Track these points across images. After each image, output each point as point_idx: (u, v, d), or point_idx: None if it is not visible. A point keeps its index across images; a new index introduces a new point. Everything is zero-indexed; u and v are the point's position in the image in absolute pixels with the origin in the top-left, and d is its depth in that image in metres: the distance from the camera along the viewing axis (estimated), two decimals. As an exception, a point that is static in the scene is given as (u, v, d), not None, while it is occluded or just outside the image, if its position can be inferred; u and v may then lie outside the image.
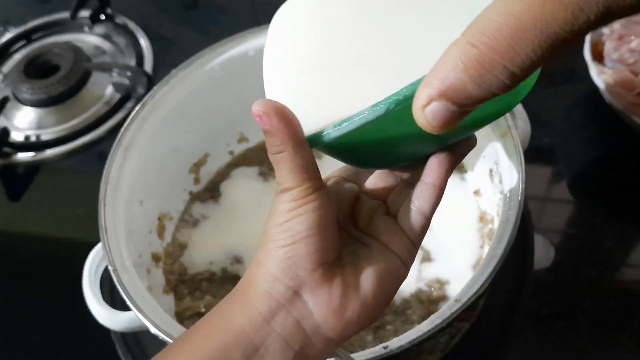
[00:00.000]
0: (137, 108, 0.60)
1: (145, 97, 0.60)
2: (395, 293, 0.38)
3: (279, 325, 0.34)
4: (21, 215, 0.83)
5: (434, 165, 0.36)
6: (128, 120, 0.59)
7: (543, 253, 0.68)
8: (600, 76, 0.75)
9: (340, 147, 0.35)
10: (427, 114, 0.27)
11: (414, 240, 0.37)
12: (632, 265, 0.68)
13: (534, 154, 0.77)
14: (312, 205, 0.34)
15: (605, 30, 0.80)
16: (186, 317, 0.59)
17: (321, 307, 0.34)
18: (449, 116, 0.27)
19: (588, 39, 0.79)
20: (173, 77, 0.62)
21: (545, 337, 0.63)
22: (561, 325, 0.64)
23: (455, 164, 0.37)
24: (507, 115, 0.52)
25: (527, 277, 0.66)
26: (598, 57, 0.79)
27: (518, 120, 0.56)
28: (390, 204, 0.39)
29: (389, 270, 0.36)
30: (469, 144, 0.39)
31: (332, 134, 0.32)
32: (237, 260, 0.64)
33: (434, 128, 0.27)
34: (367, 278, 0.36)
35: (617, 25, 0.80)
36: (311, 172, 0.34)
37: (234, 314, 0.35)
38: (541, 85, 0.83)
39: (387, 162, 0.39)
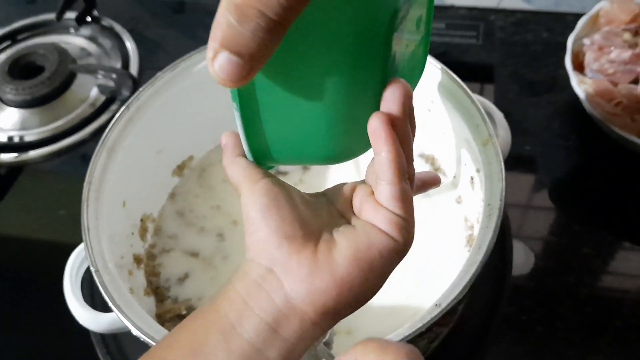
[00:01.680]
0: (122, 109, 0.60)
1: (131, 99, 0.60)
2: (380, 267, 0.37)
3: (253, 300, 0.35)
4: (3, 216, 0.82)
5: (375, 135, 0.35)
6: (113, 121, 0.59)
7: (523, 260, 0.69)
8: (580, 86, 0.76)
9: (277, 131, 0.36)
10: (215, 67, 0.28)
11: (397, 212, 0.36)
12: (610, 272, 0.69)
13: (514, 162, 0.78)
14: (258, 192, 0.37)
15: (586, 40, 0.81)
16: (167, 319, 0.59)
17: (290, 277, 0.35)
18: (236, 68, 0.28)
19: (569, 49, 0.80)
20: (159, 79, 0.62)
21: (524, 342, 0.64)
22: (540, 331, 0.64)
23: (404, 131, 0.36)
24: (489, 123, 0.53)
25: (505, 283, 0.66)
26: (579, 67, 0.81)
27: (499, 129, 0.57)
28: (368, 181, 0.40)
29: (369, 243, 0.36)
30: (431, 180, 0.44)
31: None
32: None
33: (225, 82, 0.29)
34: (341, 250, 0.36)
35: (597, 36, 0.81)
36: (250, 171, 0.38)
37: (217, 299, 0.37)
38: (523, 94, 0.85)
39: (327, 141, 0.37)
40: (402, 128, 0.36)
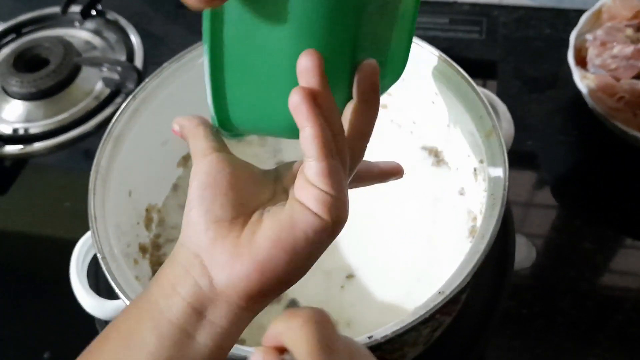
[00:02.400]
0: (128, 99, 0.60)
1: (137, 89, 0.61)
2: (306, 248, 0.35)
3: (180, 286, 0.35)
4: (7, 207, 0.83)
5: (296, 111, 0.34)
6: (119, 112, 0.59)
7: (525, 254, 0.70)
8: (582, 81, 0.77)
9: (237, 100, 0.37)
10: None
11: (324, 188, 0.34)
12: (611, 268, 0.69)
13: (517, 158, 0.77)
14: (200, 169, 0.37)
15: (589, 36, 0.82)
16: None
17: (213, 263, 0.35)
18: None
19: (572, 44, 0.80)
20: (165, 70, 0.62)
21: (524, 335, 0.65)
22: (540, 324, 0.65)
23: (329, 106, 0.34)
24: (492, 115, 0.53)
25: (507, 276, 0.67)
26: (581, 62, 0.81)
27: (502, 121, 0.58)
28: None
29: (292, 223, 0.34)
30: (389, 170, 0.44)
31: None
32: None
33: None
34: (264, 231, 0.35)
35: (599, 31, 0.82)
36: (205, 144, 0.38)
37: (150, 285, 0.37)
38: (525, 90, 0.85)
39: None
40: (326, 103, 0.34)
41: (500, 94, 0.85)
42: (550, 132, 0.82)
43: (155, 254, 0.64)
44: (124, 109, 0.59)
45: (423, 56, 0.60)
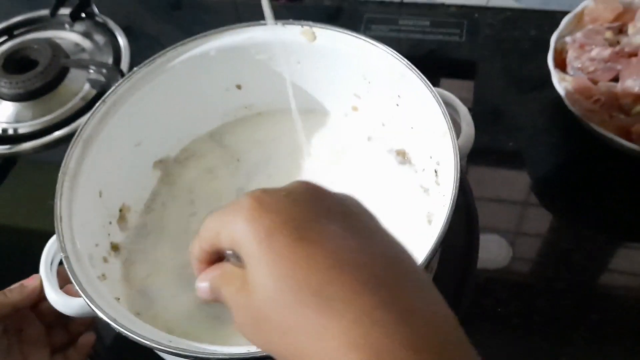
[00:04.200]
0: (98, 103, 0.62)
1: (107, 93, 0.62)
2: None
3: None
4: (-3, 205, 0.85)
5: None
6: (89, 115, 0.61)
7: (501, 253, 0.70)
8: (561, 83, 0.77)
9: None
10: None
11: None
12: (588, 267, 0.70)
13: (498, 158, 0.79)
14: None
15: (568, 38, 0.82)
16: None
17: None
18: None
19: (552, 46, 0.81)
20: (135, 74, 0.63)
21: (500, 334, 0.65)
22: (516, 323, 0.66)
23: None
24: (447, 115, 0.54)
25: (471, 275, 0.68)
26: (561, 64, 0.81)
27: (463, 122, 0.58)
28: None
29: None
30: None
31: None
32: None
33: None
34: None
35: (579, 34, 0.82)
36: None
37: None
38: (509, 91, 0.86)
39: None
40: None
41: (484, 95, 0.86)
42: (533, 133, 0.83)
43: (128, 254, 0.65)
44: (93, 112, 0.61)
45: (385, 58, 0.61)
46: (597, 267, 0.70)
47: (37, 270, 0.57)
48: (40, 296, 0.56)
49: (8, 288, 0.57)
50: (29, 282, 0.57)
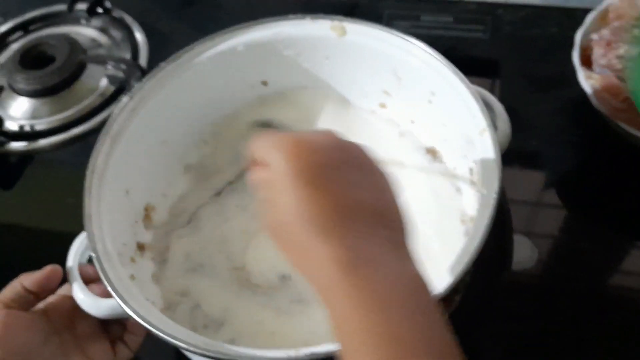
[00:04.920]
0: (125, 99, 0.61)
1: (134, 89, 0.61)
2: None
3: None
4: (13, 202, 0.84)
5: None
6: (116, 111, 0.60)
7: (526, 254, 0.69)
8: (587, 81, 0.76)
9: None
10: None
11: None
12: (613, 269, 0.69)
13: (519, 157, 0.78)
14: None
15: (594, 36, 0.81)
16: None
17: None
18: None
19: (577, 44, 0.80)
20: (162, 70, 0.62)
21: (522, 335, 0.64)
22: (539, 325, 0.65)
23: None
24: (486, 113, 0.53)
25: (504, 276, 0.67)
26: (586, 62, 0.80)
27: (498, 120, 0.57)
28: None
29: None
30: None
31: None
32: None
33: None
34: None
35: (605, 31, 0.81)
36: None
37: None
38: (530, 89, 0.85)
39: None
40: None
41: (505, 93, 0.85)
42: (555, 132, 0.81)
43: (156, 252, 0.64)
44: (121, 108, 0.60)
45: (419, 55, 0.60)
46: (623, 269, 0.69)
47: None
48: (57, 284, 0.57)
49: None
50: (46, 269, 0.56)
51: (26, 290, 0.54)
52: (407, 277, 0.38)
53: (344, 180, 0.40)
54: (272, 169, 0.41)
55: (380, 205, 0.41)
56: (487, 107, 0.58)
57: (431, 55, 0.58)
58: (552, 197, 0.76)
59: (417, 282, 0.38)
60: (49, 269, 0.56)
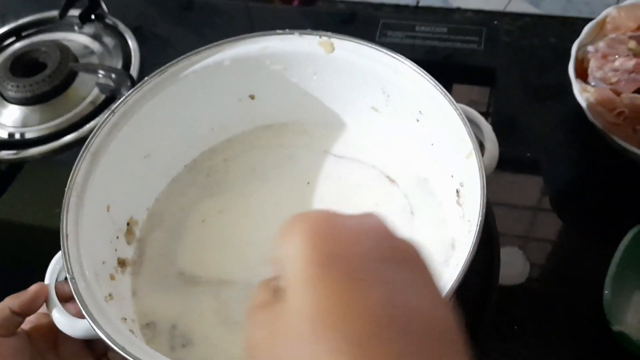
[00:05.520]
0: (107, 114, 0.60)
1: (117, 104, 0.60)
2: None
3: None
4: (2, 211, 0.84)
5: None
6: (97, 127, 0.59)
7: (519, 269, 0.68)
8: (582, 94, 0.75)
9: None
10: None
11: None
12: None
13: (515, 169, 0.77)
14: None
15: (590, 48, 0.80)
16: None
17: None
18: None
19: (573, 55, 0.79)
20: (146, 84, 0.61)
21: (516, 353, 0.64)
22: (532, 342, 0.64)
23: None
24: (473, 136, 0.52)
25: (491, 294, 0.66)
26: (582, 73, 0.79)
27: (487, 141, 0.56)
28: None
29: None
30: None
31: None
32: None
33: None
34: None
35: (601, 43, 0.79)
36: None
37: None
38: (527, 100, 0.84)
39: None
40: None
41: (500, 104, 0.85)
42: (551, 144, 0.80)
43: (137, 267, 0.63)
44: (102, 124, 0.59)
45: (407, 74, 0.59)
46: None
47: (41, 279, 0.55)
48: (42, 302, 0.55)
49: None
50: (31, 289, 0.54)
51: (13, 312, 0.53)
52: None
53: (388, 278, 0.28)
54: (285, 258, 0.29)
55: (438, 317, 0.29)
56: (476, 127, 0.57)
57: (419, 74, 0.57)
58: (546, 209, 0.75)
59: None
60: (34, 289, 0.54)
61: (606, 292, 0.63)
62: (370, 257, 0.29)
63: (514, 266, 0.69)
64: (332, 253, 0.28)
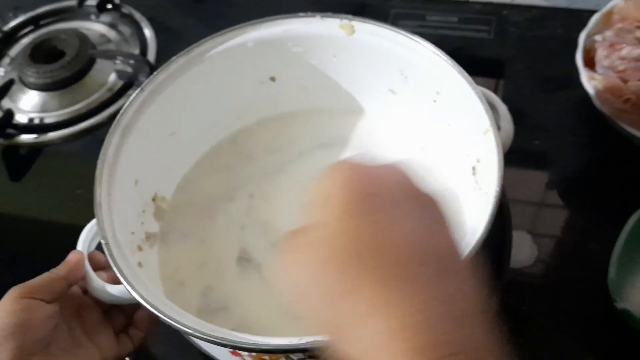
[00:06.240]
0: (136, 92, 0.62)
1: (145, 82, 0.62)
2: None
3: None
4: (22, 194, 0.85)
5: None
6: (127, 103, 0.61)
7: (527, 252, 0.70)
8: (590, 82, 0.77)
9: None
10: None
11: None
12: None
13: (523, 157, 0.78)
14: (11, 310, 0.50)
15: (598, 37, 0.82)
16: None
17: None
18: None
19: (581, 45, 0.80)
20: (173, 64, 0.63)
21: (525, 332, 0.65)
22: (541, 322, 0.65)
23: None
24: (490, 112, 0.54)
25: (503, 273, 0.67)
26: (590, 63, 0.81)
27: (502, 121, 0.58)
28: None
29: None
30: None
31: None
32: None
33: None
34: None
35: (609, 32, 0.81)
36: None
37: None
38: (536, 90, 0.85)
39: None
40: None
41: (509, 93, 0.86)
42: (560, 132, 0.82)
43: (162, 243, 0.65)
44: (132, 101, 0.61)
45: (426, 54, 0.60)
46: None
47: (63, 257, 0.57)
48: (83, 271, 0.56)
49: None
50: (71, 257, 0.56)
51: (61, 279, 0.55)
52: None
53: (409, 219, 0.33)
54: (325, 197, 0.34)
55: (454, 254, 0.34)
56: (491, 107, 0.58)
57: (438, 55, 0.59)
58: (554, 196, 0.76)
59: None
60: (74, 257, 0.56)
61: (611, 270, 0.64)
62: (398, 197, 0.34)
63: (522, 249, 0.70)
64: (367, 192, 0.33)
